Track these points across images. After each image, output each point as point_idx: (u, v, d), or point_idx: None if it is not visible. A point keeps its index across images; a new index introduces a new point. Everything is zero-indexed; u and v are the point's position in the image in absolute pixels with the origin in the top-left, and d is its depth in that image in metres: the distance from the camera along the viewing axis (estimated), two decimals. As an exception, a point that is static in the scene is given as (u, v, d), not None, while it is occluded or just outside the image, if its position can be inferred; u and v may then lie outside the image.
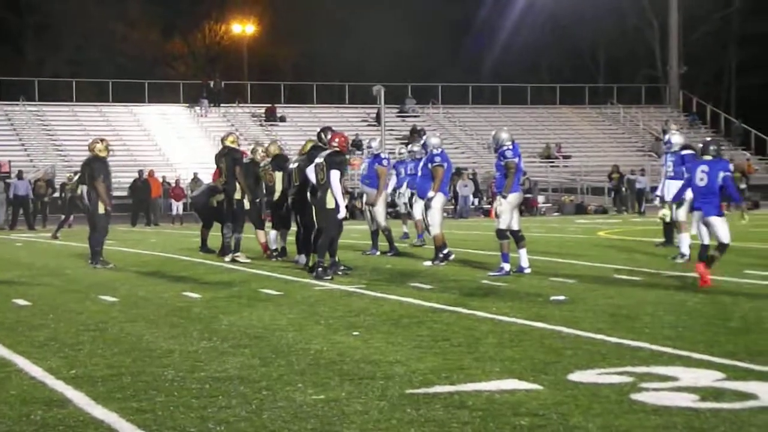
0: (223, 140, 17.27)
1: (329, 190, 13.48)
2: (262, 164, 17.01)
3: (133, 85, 53.55)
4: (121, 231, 29.40)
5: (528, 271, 13.45)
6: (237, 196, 16.54)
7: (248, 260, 16.13)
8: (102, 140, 16.32)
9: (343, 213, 13.63)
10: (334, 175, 13.45)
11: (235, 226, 16.59)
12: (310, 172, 13.85)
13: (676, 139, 15.97)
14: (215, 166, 17.34)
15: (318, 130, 15.53)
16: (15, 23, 65.79)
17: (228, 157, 16.73)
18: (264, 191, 17.08)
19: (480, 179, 43.54)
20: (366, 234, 18.88)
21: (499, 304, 10.30)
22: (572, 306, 10.03)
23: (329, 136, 14.25)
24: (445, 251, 15.34)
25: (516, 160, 13.44)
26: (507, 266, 13.40)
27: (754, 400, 5.78)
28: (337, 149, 13.68)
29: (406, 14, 63.40)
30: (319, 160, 13.75)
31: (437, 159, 15.75)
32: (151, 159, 45.35)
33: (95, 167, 15.92)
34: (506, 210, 13.48)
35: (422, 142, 17.72)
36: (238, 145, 17.29)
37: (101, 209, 15.93)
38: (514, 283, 12.43)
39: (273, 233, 17.08)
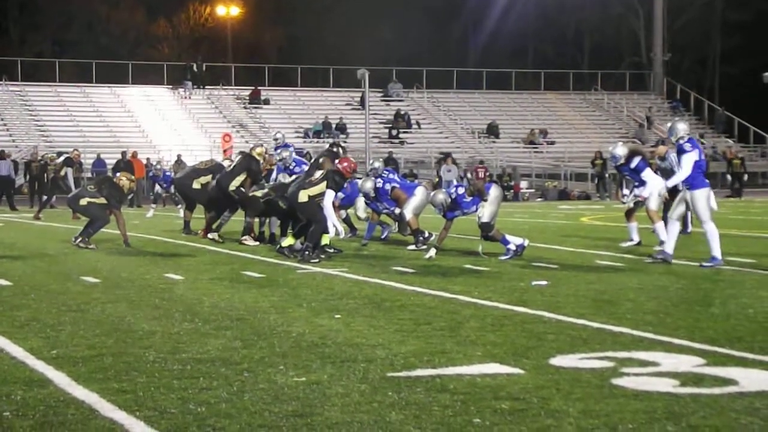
0: (251, 149, 17.54)
1: (307, 191, 13.70)
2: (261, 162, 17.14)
3: (116, 66, 53.34)
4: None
5: (507, 257, 13.52)
6: (234, 185, 16.48)
7: (255, 244, 16.12)
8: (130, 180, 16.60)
9: (333, 233, 13.90)
10: (329, 194, 13.71)
11: (246, 211, 16.59)
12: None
13: (620, 151, 15.47)
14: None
15: (331, 142, 15.92)
16: (-2, 2, 65.39)
17: (245, 160, 16.81)
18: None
19: (464, 164, 43.53)
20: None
21: (482, 288, 10.33)
22: (554, 291, 10.07)
23: (340, 156, 14.45)
24: (425, 234, 15.40)
25: None
26: (512, 245, 13.63)
27: (734, 386, 5.81)
28: (340, 171, 13.88)
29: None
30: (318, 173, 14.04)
31: None
32: (134, 140, 45.18)
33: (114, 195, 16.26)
34: (491, 203, 13.82)
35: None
36: (264, 160, 17.43)
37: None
38: (496, 267, 12.47)
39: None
